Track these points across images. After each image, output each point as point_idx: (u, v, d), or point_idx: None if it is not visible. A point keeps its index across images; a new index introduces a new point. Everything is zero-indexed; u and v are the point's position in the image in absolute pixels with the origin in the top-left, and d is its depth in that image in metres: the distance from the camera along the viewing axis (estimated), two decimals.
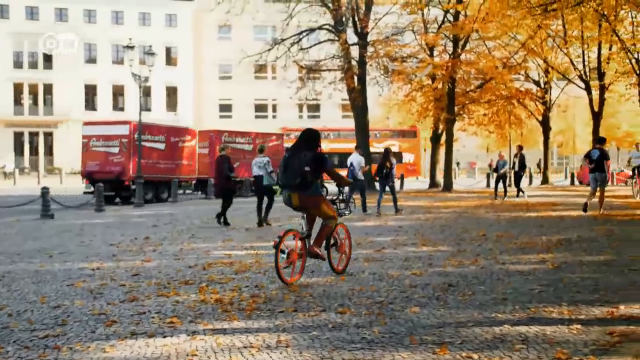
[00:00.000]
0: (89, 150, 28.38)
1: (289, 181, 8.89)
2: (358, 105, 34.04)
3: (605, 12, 32.43)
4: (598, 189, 18.73)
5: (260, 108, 74.23)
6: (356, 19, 33.47)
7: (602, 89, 37.69)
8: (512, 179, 27.42)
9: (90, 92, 70.54)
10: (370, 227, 16.22)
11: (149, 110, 65.87)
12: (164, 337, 6.07)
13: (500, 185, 26.86)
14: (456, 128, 36.97)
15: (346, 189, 16.45)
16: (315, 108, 69.53)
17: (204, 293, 8.06)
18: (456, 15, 34.18)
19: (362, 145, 33.65)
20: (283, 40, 33.81)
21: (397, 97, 38.82)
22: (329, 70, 35.45)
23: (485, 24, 32.33)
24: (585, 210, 18.50)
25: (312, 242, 9.05)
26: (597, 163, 18.47)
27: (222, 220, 17.13)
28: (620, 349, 5.58)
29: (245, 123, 67.40)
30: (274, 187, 16.72)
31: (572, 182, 43.55)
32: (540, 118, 41.87)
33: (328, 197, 9.64)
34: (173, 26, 71.75)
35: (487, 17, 31.29)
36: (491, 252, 11.50)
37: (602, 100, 37.99)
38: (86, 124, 30.76)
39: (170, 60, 70.89)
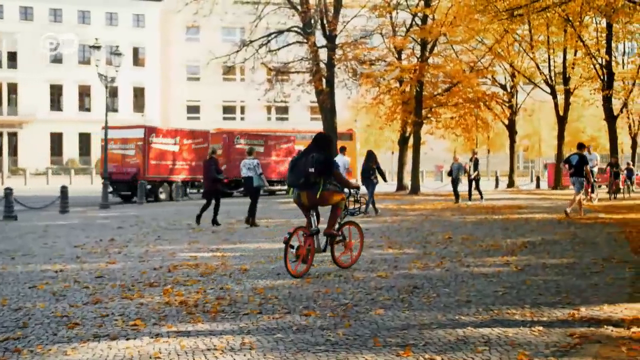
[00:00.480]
0: (107, 153, 28.81)
1: (294, 180, 9.61)
2: (326, 107, 34.10)
3: (571, 18, 32.91)
4: (580, 191, 19.56)
5: (228, 110, 74.00)
6: (325, 21, 33.53)
7: (567, 93, 38.17)
8: (468, 182, 26.90)
9: (56, 92, 69.72)
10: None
11: (115, 111, 65.38)
12: (127, 339, 6.01)
13: (467, 188, 26.78)
14: (424, 131, 37.16)
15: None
16: (283, 110, 69.56)
17: (168, 295, 8.01)
18: (424, 19, 34.37)
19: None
20: (251, 42, 33.76)
21: (365, 100, 38.94)
22: (298, 72, 35.45)
23: (452, 28, 32.58)
24: (566, 215, 18.89)
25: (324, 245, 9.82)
26: (576, 168, 19.23)
27: (199, 220, 17.49)
28: (580, 350, 5.66)
29: (213, 124, 67.06)
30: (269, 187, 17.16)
31: (538, 186, 44.00)
32: (506, 122, 42.28)
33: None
34: (140, 26, 71.27)
35: (455, 21, 31.54)
36: (456, 254, 11.59)
37: (567, 104, 38.47)
38: (104, 128, 30.92)
39: (137, 60, 70.40)
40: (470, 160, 26.29)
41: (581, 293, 8.10)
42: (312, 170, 9.35)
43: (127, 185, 29.06)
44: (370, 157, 20.82)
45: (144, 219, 19.54)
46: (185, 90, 72.38)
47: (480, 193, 26.53)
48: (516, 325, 6.53)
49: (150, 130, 30.04)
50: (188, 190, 31.66)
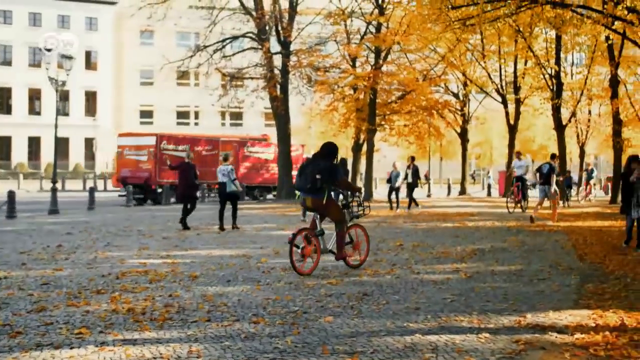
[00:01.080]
0: (122, 158, 32.19)
1: (302, 185, 10.51)
2: (280, 114, 34.07)
3: (521, 29, 33.48)
4: (546, 200, 20.67)
5: (182, 115, 73.46)
6: (279, 28, 33.50)
7: (518, 102, 38.71)
8: (406, 190, 26.76)
9: (5, 95, 68.42)
10: (288, 236, 16.20)
11: (66, 114, 64.40)
12: (71, 348, 5.92)
13: (394, 195, 26.40)
14: (377, 138, 37.36)
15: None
16: (238, 116, 69.28)
17: (115, 303, 7.90)
18: (378, 27, 34.58)
19: (284, 153, 33.78)
20: (206, 47, 33.53)
21: (320, 107, 39.01)
22: (252, 78, 35.33)
23: (406, 36, 32.86)
24: (532, 221, 19.79)
25: (336, 249, 10.64)
26: (547, 177, 20.27)
27: (184, 224, 17.88)
28: (524, 356, 5.74)
29: (167, 129, 66.61)
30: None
31: (489, 193, 44.52)
32: (458, 130, 42.72)
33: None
34: (93, 30, 70.38)
35: (408, 30, 31.84)
36: (407, 261, 11.67)
37: (517, 113, 39.02)
38: (120, 135, 34.93)
39: (90, 64, 69.44)
40: (408, 167, 26.01)
41: (528, 300, 8.22)
42: (318, 176, 10.24)
43: (140, 188, 30.92)
44: (343, 164, 22.15)
45: (93, 225, 19.26)
46: (139, 94, 71.65)
47: (413, 201, 26.36)
48: (463, 332, 6.60)
49: (162, 138, 31.83)
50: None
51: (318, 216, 10.65)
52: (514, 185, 25.09)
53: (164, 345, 6.04)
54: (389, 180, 26.52)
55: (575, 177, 39.69)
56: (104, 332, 6.50)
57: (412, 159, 26.37)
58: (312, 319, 7.20)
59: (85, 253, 12.66)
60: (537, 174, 21.10)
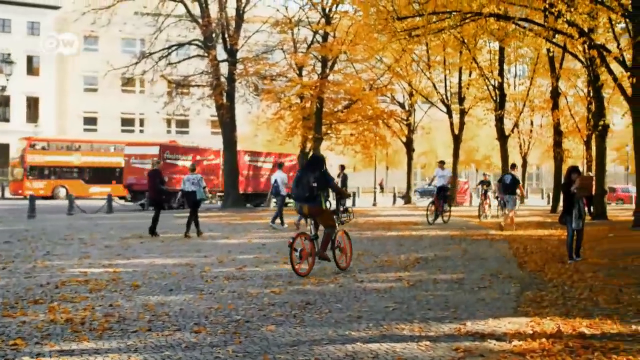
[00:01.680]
0: (129, 167, 34.82)
1: (300, 194, 11.39)
2: (226, 122, 33.93)
3: (466, 41, 33.98)
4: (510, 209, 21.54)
5: (127, 122, 72.43)
6: (226, 35, 33.37)
7: (462, 113, 39.30)
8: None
9: None
10: (233, 245, 16.16)
11: (7, 120, 62.98)
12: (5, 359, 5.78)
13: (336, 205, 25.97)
14: (323, 147, 37.50)
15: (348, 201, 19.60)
16: (183, 123, 68.73)
17: (54, 313, 7.75)
18: (325, 37, 34.77)
19: (230, 161, 33.61)
20: (151, 54, 33.20)
21: (266, 115, 39.00)
22: (198, 86, 35.12)
23: (353, 46, 33.11)
24: (501, 229, 20.64)
25: (319, 246, 11.37)
26: (509, 186, 21.25)
27: (152, 230, 18.32)
28: None
29: (111, 136, 65.66)
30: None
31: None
32: (404, 139, 43.08)
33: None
34: (35, 34, 69.00)
35: (355, 40, 32.07)
36: (351, 270, 11.71)
37: (462, 123, 39.59)
38: (128, 144, 37.99)
39: (31, 69, 68.05)
40: (338, 176, 24.78)
41: (468, 308, 8.33)
42: (314, 184, 11.25)
43: (145, 195, 31.16)
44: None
45: (33, 233, 18.85)
46: (82, 101, 70.35)
47: (346, 209, 25.66)
48: (404, 340, 6.64)
49: (165, 148, 34.46)
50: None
51: (313, 222, 11.65)
52: (434, 196, 24.87)
53: (102, 356, 5.95)
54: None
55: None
56: (40, 343, 6.37)
57: (342, 167, 25.48)
58: (255, 328, 7.17)
59: (23, 262, 12.38)
60: (500, 185, 21.97)
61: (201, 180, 18.68)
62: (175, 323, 7.33)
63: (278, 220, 21.56)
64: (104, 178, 46.65)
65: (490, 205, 27.87)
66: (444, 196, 24.48)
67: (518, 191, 21.76)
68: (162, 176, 18.89)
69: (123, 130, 70.88)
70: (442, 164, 25.97)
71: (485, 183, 27.79)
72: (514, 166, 24.35)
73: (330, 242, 11.48)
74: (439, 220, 24.02)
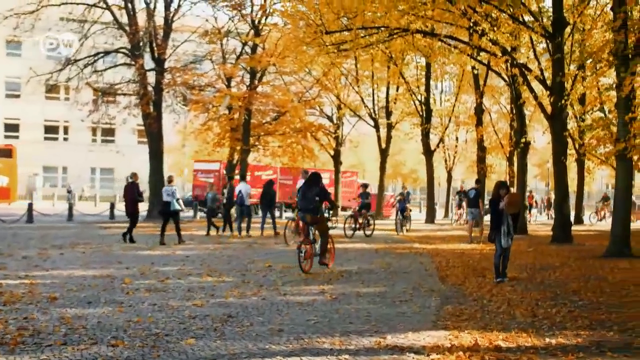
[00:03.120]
0: (197, 180, 40.73)
1: (306, 205, 13.91)
2: (153, 131, 33.43)
3: (394, 56, 34.49)
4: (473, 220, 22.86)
5: (50, 129, 70.73)
6: (154, 44, 32.95)
7: (389, 127, 39.76)
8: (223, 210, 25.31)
9: None
10: (156, 257, 15.93)
11: None
12: None
13: (223, 217, 25.05)
14: (251, 158, 37.37)
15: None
16: (109, 132, 67.41)
17: None
18: (254, 48, 34.70)
19: (157, 171, 33.08)
20: (76, 61, 32.51)
21: (194, 126, 38.64)
22: (125, 94, 34.52)
23: (282, 58, 33.13)
24: (470, 242, 21.71)
25: (319, 253, 13.70)
26: (473, 201, 22.51)
27: (128, 238, 19.48)
28: None
29: (35, 144, 64.13)
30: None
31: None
32: (332, 152, 43.28)
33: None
34: None
35: (284, 52, 32.11)
36: (274, 283, 11.69)
37: (389, 137, 40.03)
38: (195, 161, 44.14)
39: None
40: (224, 187, 24.67)
41: (389, 321, 8.41)
42: (317, 198, 13.86)
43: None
44: (272, 184, 24.52)
45: None
46: (4, 107, 68.42)
47: (212, 225, 24.08)
48: (324, 354, 6.67)
49: (224, 164, 38.05)
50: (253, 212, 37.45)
51: (313, 229, 13.95)
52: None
53: None
54: (204, 203, 24.43)
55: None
56: None
57: (230, 178, 24.94)
58: (174, 341, 7.09)
59: None
60: (465, 200, 23.14)
61: (175, 192, 19.81)
62: (92, 336, 7.19)
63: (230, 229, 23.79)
64: None
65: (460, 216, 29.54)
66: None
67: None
68: (138, 188, 20.02)
69: (46, 138, 69.29)
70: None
71: (462, 194, 29.14)
72: (478, 181, 26.09)
73: (326, 247, 13.76)
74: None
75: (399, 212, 27.92)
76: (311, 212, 13.85)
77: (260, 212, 25.54)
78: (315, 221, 13.86)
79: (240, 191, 23.71)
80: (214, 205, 24.41)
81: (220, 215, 26.52)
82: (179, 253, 16.86)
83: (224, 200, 24.76)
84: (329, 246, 13.92)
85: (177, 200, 19.74)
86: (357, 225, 24.42)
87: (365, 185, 26.47)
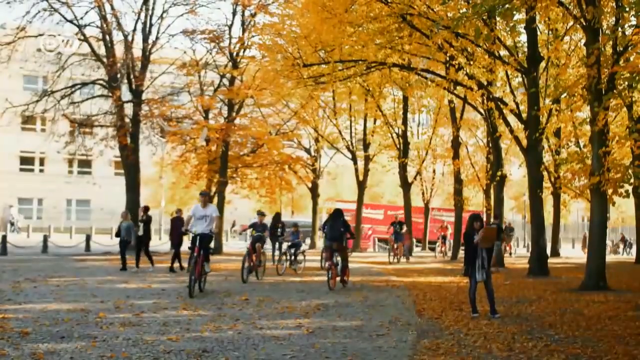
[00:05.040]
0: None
1: (334, 235, 17.18)
2: (130, 163, 33.30)
3: (371, 89, 34.77)
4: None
5: (26, 161, 70.19)
6: (131, 76, 32.95)
7: (367, 159, 39.92)
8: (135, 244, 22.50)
9: None
10: (132, 290, 15.77)
11: None
12: None
13: (136, 251, 22.41)
14: (228, 190, 37.26)
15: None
16: (86, 164, 66.95)
17: None
18: (232, 80, 34.79)
19: (134, 203, 32.83)
20: (53, 92, 32.40)
21: (172, 157, 38.55)
22: (102, 126, 34.39)
23: (259, 90, 33.28)
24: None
25: (341, 275, 17.30)
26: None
27: (174, 267, 21.75)
28: None
29: (9, 175, 63.58)
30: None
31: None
32: (309, 184, 43.25)
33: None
34: None
35: (262, 84, 32.28)
36: (251, 316, 11.60)
37: (366, 170, 40.17)
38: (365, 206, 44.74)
39: None
40: (140, 220, 22.52)
41: (365, 356, 8.37)
42: (342, 229, 17.20)
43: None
44: (278, 217, 26.96)
45: None
46: None
47: (150, 258, 22.46)
48: None
49: (389, 208, 44.57)
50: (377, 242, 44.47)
51: (337, 255, 17.10)
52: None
53: None
54: (118, 234, 22.20)
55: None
56: None
57: (146, 209, 22.82)
58: None
59: None
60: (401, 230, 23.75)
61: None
62: None
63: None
64: None
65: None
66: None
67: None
68: (183, 222, 18.82)
69: (22, 170, 68.76)
70: (125, 214, 23.41)
71: (396, 225, 29.46)
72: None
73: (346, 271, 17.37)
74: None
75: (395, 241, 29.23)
76: (338, 240, 17.08)
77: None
78: (340, 248, 17.08)
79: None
80: (128, 237, 21.95)
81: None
82: (155, 286, 16.69)
83: (140, 232, 22.05)
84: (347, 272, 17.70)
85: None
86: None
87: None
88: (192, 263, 14.96)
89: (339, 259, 17.17)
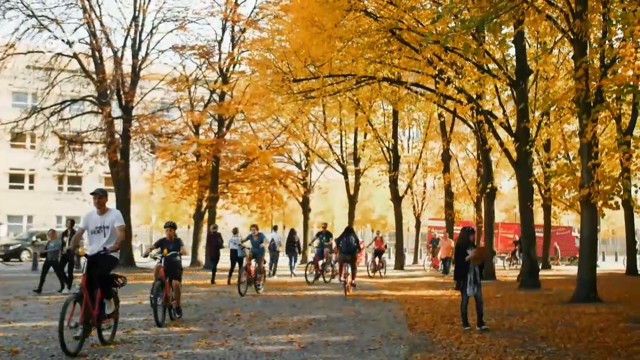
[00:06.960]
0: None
1: (348, 249, 20.22)
2: (120, 179, 33.21)
3: (361, 103, 34.84)
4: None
5: (15, 178, 69.94)
6: (121, 92, 32.90)
7: (358, 173, 39.94)
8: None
9: None
10: (122, 306, 15.62)
11: None
12: None
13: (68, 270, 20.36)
14: (219, 205, 37.21)
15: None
16: (76, 180, 66.64)
17: None
18: (222, 96, 34.82)
19: (125, 219, 32.67)
20: (42, 109, 32.31)
21: (162, 173, 38.49)
22: (92, 142, 34.27)
23: (250, 105, 33.32)
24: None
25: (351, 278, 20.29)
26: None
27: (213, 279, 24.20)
28: None
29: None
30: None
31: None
32: (300, 199, 43.21)
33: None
34: None
35: (252, 100, 32.32)
36: (243, 332, 11.56)
37: (357, 184, 40.16)
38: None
39: None
40: (65, 234, 20.62)
41: None
42: (355, 244, 20.49)
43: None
44: (293, 233, 30.60)
45: None
46: None
47: (64, 280, 19.95)
48: None
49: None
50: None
51: (349, 265, 19.87)
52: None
53: None
54: (44, 255, 20.55)
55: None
56: None
57: (72, 222, 20.92)
58: None
59: None
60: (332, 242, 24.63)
61: (237, 240, 24.04)
62: None
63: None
64: None
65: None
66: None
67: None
68: (220, 237, 25.49)
69: (11, 187, 68.48)
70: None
71: (322, 236, 29.45)
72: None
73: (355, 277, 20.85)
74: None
75: (375, 256, 29.72)
76: (351, 253, 20.18)
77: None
78: (352, 260, 20.22)
79: (272, 239, 28.62)
80: (55, 257, 20.03)
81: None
82: (146, 303, 16.58)
83: (65, 251, 19.42)
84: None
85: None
86: (318, 271, 25.75)
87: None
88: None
89: (349, 269, 19.83)
